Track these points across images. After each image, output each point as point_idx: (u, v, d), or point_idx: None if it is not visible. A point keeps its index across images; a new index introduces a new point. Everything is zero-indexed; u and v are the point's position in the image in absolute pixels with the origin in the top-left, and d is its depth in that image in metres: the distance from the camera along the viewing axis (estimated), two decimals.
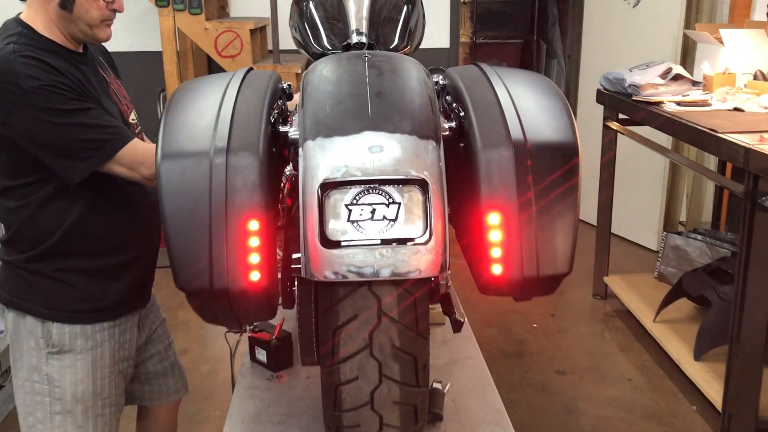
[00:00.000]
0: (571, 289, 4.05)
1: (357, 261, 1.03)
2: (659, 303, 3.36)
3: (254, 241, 1.04)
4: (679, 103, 3.10)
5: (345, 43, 1.89)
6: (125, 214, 1.67)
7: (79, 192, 1.56)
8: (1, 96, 1.44)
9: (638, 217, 4.67)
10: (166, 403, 1.99)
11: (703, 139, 2.70)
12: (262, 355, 1.70)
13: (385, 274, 1.03)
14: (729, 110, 2.99)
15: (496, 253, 1.06)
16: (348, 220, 1.03)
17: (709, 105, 3.06)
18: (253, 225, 1.04)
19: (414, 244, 1.03)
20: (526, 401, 3.00)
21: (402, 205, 1.04)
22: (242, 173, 1.06)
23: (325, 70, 1.20)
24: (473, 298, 3.94)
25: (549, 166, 1.09)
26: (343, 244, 1.03)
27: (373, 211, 1.03)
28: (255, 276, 1.04)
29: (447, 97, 1.41)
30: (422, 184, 1.05)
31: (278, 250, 1.22)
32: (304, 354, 1.31)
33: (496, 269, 1.06)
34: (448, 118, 1.27)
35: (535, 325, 3.67)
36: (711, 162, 4.32)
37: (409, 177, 1.04)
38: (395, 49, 1.97)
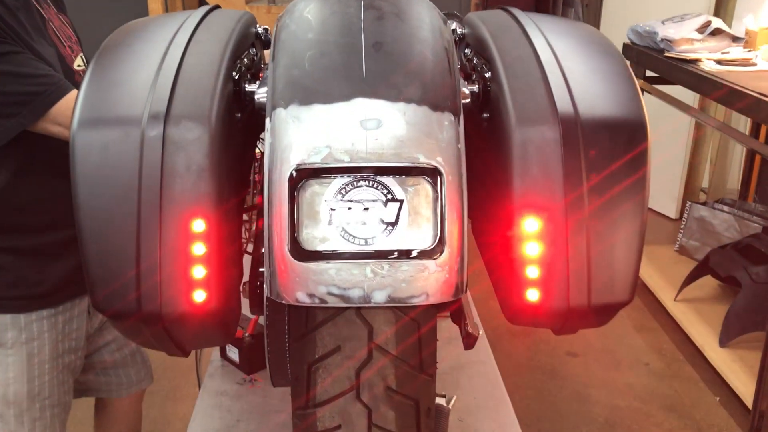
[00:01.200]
0: None
1: (341, 280, 0.74)
2: (681, 279, 3.09)
3: (199, 248, 0.75)
4: (719, 62, 2.77)
5: None
6: (64, 184, 1.37)
7: (5, 156, 1.26)
8: None
9: (658, 182, 4.34)
10: (127, 395, 1.73)
11: (750, 103, 2.38)
12: (234, 353, 1.43)
13: (379, 299, 0.74)
14: None
15: (532, 272, 0.77)
16: (330, 223, 0.74)
17: (754, 65, 2.73)
18: (198, 225, 0.75)
19: (420, 259, 0.74)
20: (534, 386, 2.75)
21: (405, 204, 0.75)
22: (186, 151, 0.76)
23: (306, 11, 0.89)
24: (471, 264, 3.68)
25: (609, 153, 0.79)
26: (322, 255, 0.74)
27: (366, 211, 0.74)
28: (199, 296, 0.75)
29: (466, 50, 1.10)
30: (434, 175, 0.75)
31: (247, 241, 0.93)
32: (275, 373, 1.03)
33: (532, 295, 0.77)
34: (469, 80, 0.97)
35: None
36: (740, 124, 3.99)
37: (416, 164, 0.75)
38: None
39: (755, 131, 3.57)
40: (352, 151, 0.74)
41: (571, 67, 0.86)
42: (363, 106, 0.76)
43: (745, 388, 2.51)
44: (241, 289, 0.89)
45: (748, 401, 2.45)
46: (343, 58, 0.80)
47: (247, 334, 1.43)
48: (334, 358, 0.81)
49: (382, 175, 0.74)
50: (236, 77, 0.89)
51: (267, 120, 0.78)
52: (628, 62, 0.91)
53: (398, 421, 0.83)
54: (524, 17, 1.00)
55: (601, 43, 0.95)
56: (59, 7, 1.48)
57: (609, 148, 0.79)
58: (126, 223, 0.75)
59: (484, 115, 0.92)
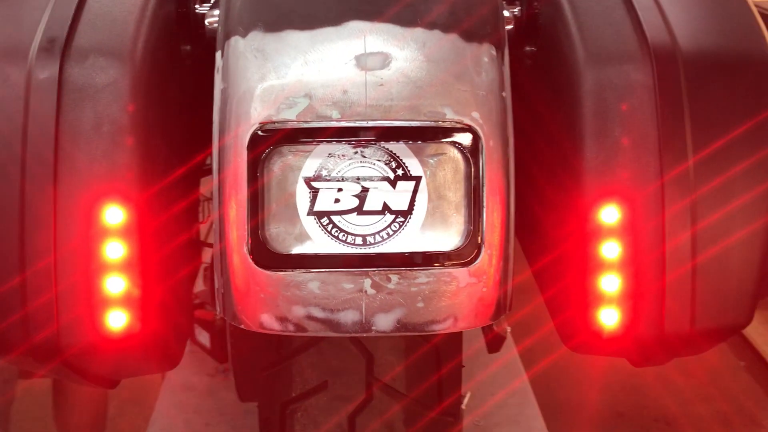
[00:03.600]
0: None
1: (326, 298, 0.49)
2: None
3: (115, 249, 0.50)
4: None
5: None
6: None
7: None
8: None
9: None
10: None
11: None
12: (204, 337, 1.20)
13: (383, 326, 0.50)
14: None
15: (609, 285, 0.52)
16: (311, 212, 0.49)
17: None
18: (113, 215, 0.50)
19: (446, 266, 0.50)
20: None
21: (423, 184, 0.50)
22: (93, 101, 0.51)
23: None
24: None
25: (729, 108, 0.53)
26: (298, 261, 0.49)
27: (364, 194, 0.49)
28: (117, 320, 0.51)
29: None
30: (468, 139, 0.50)
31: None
32: (242, 389, 0.80)
33: (608, 317, 0.53)
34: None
35: None
36: None
37: (441, 123, 0.49)
38: None
39: None
40: (344, 103, 0.49)
41: None
42: (361, 33, 0.50)
43: None
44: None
45: None
46: None
47: (219, 315, 1.19)
48: (318, 398, 0.57)
49: (389, 140, 0.49)
50: None
51: (218, 55, 0.53)
52: None
53: None
54: None
55: None
56: None
57: (728, 100, 0.53)
58: (3, 209, 0.50)
59: (528, 48, 0.65)
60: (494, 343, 0.89)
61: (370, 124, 0.49)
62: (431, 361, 0.58)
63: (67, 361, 0.52)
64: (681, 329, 0.52)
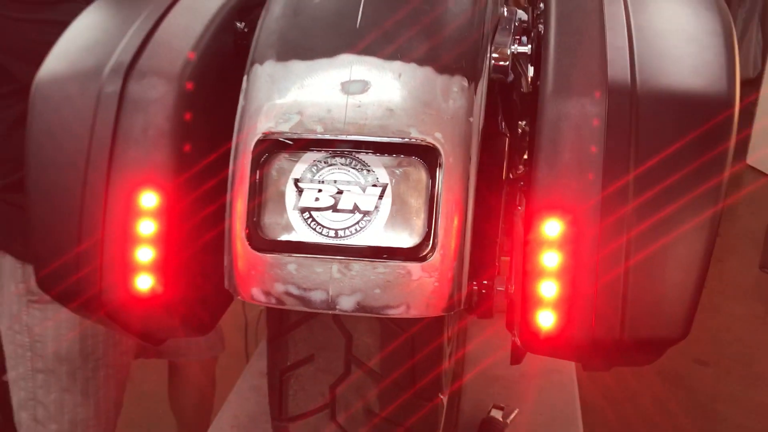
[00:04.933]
0: (731, 256, 3.36)
1: (301, 279, 0.60)
2: None
3: (146, 227, 0.64)
4: None
5: None
6: None
7: (6, 107, 1.22)
8: None
9: None
10: (198, 360, 1.69)
11: None
12: None
13: (345, 305, 0.60)
14: None
15: (548, 290, 0.59)
16: (296, 208, 0.60)
17: None
18: (148, 200, 0.64)
19: (401, 260, 0.59)
20: (651, 392, 2.47)
21: (389, 190, 0.59)
22: (144, 111, 0.65)
23: None
24: None
25: (674, 139, 0.58)
26: (283, 246, 0.60)
27: (339, 195, 0.60)
28: (143, 282, 0.64)
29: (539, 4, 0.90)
30: (429, 156, 0.59)
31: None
32: None
33: (545, 319, 0.59)
34: (524, 41, 0.78)
35: None
36: None
37: (405, 141, 0.59)
38: None
39: None
40: (328, 120, 0.60)
41: (643, 23, 0.66)
42: (348, 65, 0.61)
43: None
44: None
45: None
46: (338, 4, 0.65)
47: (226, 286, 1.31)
48: (306, 368, 0.68)
49: (362, 151, 0.59)
50: (244, 29, 0.76)
51: (244, 78, 0.65)
52: (732, 23, 0.69)
53: None
54: None
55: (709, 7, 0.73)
56: None
57: (674, 132, 0.58)
58: (71, 192, 0.65)
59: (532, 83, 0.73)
60: (516, 355, 0.95)
61: (347, 138, 0.59)
62: (407, 347, 0.66)
63: (108, 314, 0.66)
64: (611, 335, 0.57)
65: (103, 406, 1.43)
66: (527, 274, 0.59)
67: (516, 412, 1.19)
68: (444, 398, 0.99)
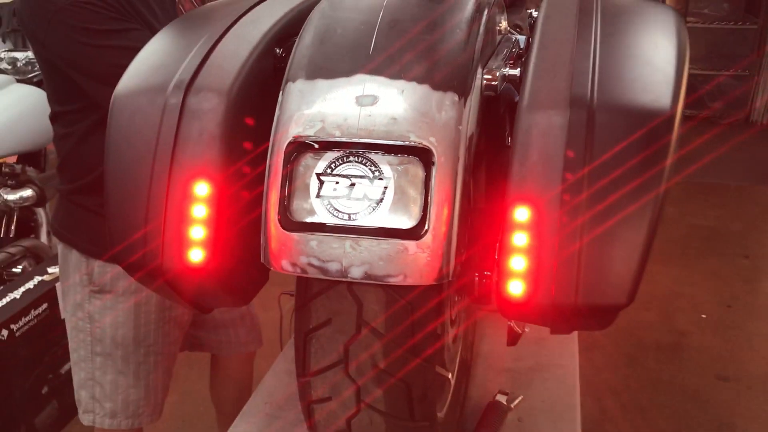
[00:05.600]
0: (761, 274, 3.42)
1: (320, 252, 0.75)
2: None
3: (199, 210, 0.80)
4: None
5: None
6: None
7: (79, 120, 1.40)
8: (39, 13, 1.31)
9: None
10: (236, 354, 1.85)
11: None
12: None
13: (355, 274, 0.75)
14: None
15: (518, 264, 0.73)
16: (317, 196, 0.76)
17: None
18: (201, 189, 0.80)
19: (400, 238, 0.74)
20: (671, 407, 2.55)
21: (392, 183, 0.74)
22: (200, 119, 0.81)
23: None
24: None
25: (623, 145, 0.72)
26: (307, 226, 0.75)
27: (352, 187, 0.75)
28: (196, 255, 0.80)
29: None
30: (424, 155, 0.74)
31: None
32: None
33: (515, 287, 0.73)
34: (517, 65, 0.93)
35: (704, 316, 3.13)
36: None
37: (405, 143, 0.74)
38: None
39: None
40: (344, 126, 0.75)
41: (609, 49, 0.80)
42: (362, 83, 0.76)
43: None
44: None
45: None
46: (356, 35, 0.80)
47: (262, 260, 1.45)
48: (325, 330, 0.83)
49: (371, 151, 0.74)
50: (282, 54, 0.92)
51: (281, 94, 0.81)
52: (687, 50, 0.83)
53: (387, 401, 0.83)
54: None
55: (665, 28, 0.87)
56: None
57: (621, 136, 0.72)
58: (141, 183, 0.81)
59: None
60: (512, 337, 1.09)
61: (359, 140, 0.74)
62: (404, 310, 0.80)
63: (168, 282, 0.82)
64: (568, 301, 0.71)
65: (152, 389, 1.59)
66: (502, 251, 0.73)
67: (520, 398, 1.31)
68: (451, 377, 1.13)
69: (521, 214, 0.72)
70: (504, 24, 1.11)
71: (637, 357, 2.84)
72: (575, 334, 1.55)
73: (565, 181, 0.71)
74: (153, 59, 0.89)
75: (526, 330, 1.09)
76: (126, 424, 1.57)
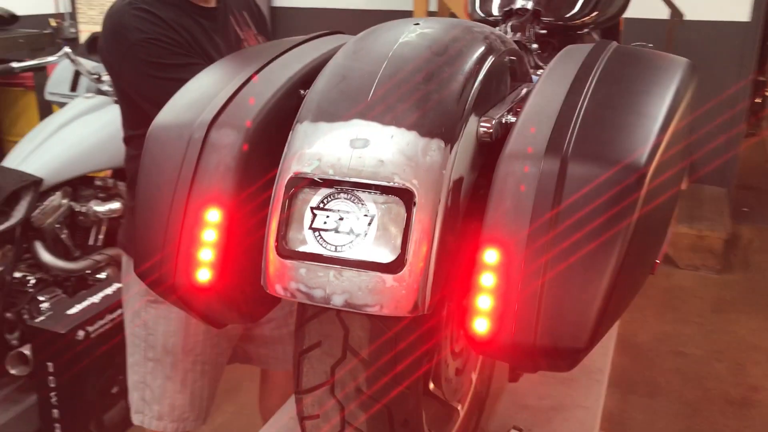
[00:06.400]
0: None
1: (308, 279, 0.82)
2: None
3: (209, 235, 0.89)
4: None
5: (506, 9, 1.62)
6: None
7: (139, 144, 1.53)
8: (115, 48, 1.46)
9: None
10: (283, 370, 1.94)
11: None
12: None
13: (336, 301, 0.81)
14: None
15: (483, 302, 0.78)
16: (310, 227, 0.83)
17: None
18: (212, 215, 0.89)
19: (378, 271, 0.80)
20: None
21: (376, 219, 0.81)
22: (218, 153, 0.90)
23: (357, 40, 0.98)
24: (704, 315, 3.36)
25: (589, 197, 0.76)
26: (298, 255, 0.83)
27: (340, 221, 0.82)
28: (203, 275, 0.89)
29: None
30: (406, 196, 0.80)
31: None
32: None
33: (480, 325, 0.78)
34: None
35: None
36: None
37: (389, 184, 0.80)
38: (571, 19, 1.63)
39: None
40: (337, 166, 0.82)
41: (597, 98, 0.84)
42: (357, 127, 0.83)
43: None
44: None
45: None
46: (358, 83, 0.88)
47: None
48: (315, 351, 0.89)
49: (359, 190, 0.81)
50: (305, 95, 1.01)
51: (290, 132, 0.89)
52: (683, 101, 0.86)
53: (370, 425, 0.89)
54: (610, 50, 0.98)
55: (666, 77, 0.90)
56: (262, 29, 1.75)
57: (591, 192, 0.76)
58: (163, 209, 0.91)
59: None
60: (513, 374, 1.12)
61: (349, 179, 0.81)
62: (388, 339, 0.86)
63: (180, 298, 0.91)
64: (527, 340, 0.75)
65: (197, 396, 1.70)
66: (470, 290, 0.78)
67: None
68: (461, 408, 1.18)
69: (490, 256, 0.77)
70: (527, 69, 1.16)
71: (701, 408, 2.75)
72: (605, 376, 1.56)
73: (531, 226, 0.76)
74: (188, 96, 1.00)
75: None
76: (171, 428, 1.69)
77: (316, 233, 0.82)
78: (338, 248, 0.81)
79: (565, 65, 0.95)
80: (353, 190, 0.82)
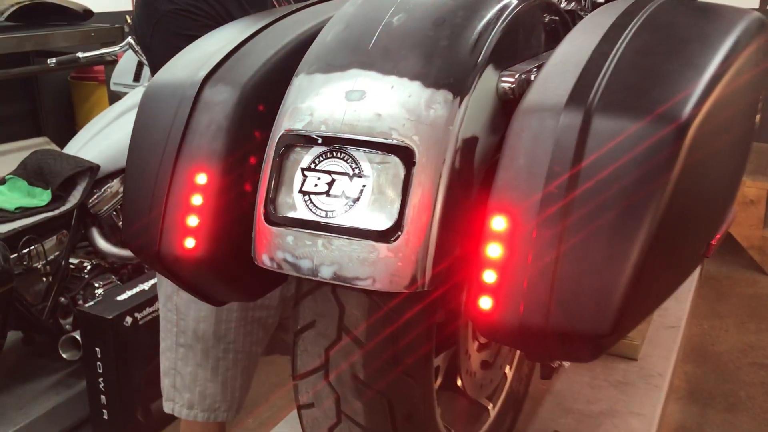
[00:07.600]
0: None
1: (295, 248, 0.73)
2: None
3: (197, 200, 0.81)
4: None
5: None
6: None
7: None
8: (145, 20, 1.42)
9: None
10: None
11: None
12: None
13: (325, 274, 0.72)
14: None
15: (489, 277, 0.66)
16: (300, 191, 0.74)
17: None
18: (200, 179, 0.81)
19: (371, 240, 0.70)
20: None
21: (371, 181, 0.71)
22: (210, 111, 0.82)
23: None
24: (754, 314, 3.09)
25: (616, 154, 0.64)
26: (286, 221, 0.74)
27: (332, 183, 0.72)
28: (189, 243, 0.81)
29: None
30: (405, 155, 0.70)
31: None
32: None
33: (485, 303, 0.66)
34: None
35: None
36: None
37: (386, 141, 0.70)
38: None
39: None
40: (329, 121, 0.73)
41: (631, 55, 0.72)
42: (355, 78, 0.74)
43: None
44: None
45: None
46: (360, 31, 0.78)
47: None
48: (309, 332, 0.80)
49: (353, 147, 0.72)
50: None
51: (288, 88, 0.80)
52: (740, 53, 0.72)
53: (367, 416, 0.79)
54: (665, 1, 0.85)
55: (724, 28, 0.76)
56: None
57: (616, 147, 0.63)
58: (150, 173, 0.83)
59: None
60: (546, 371, 0.99)
61: (342, 135, 0.72)
62: (386, 320, 0.76)
63: (165, 267, 0.83)
64: (537, 323, 0.63)
65: (229, 385, 1.63)
66: (476, 263, 0.67)
67: None
68: (491, 408, 1.06)
69: (498, 223, 0.66)
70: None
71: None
72: (665, 382, 1.40)
73: (545, 190, 0.64)
74: (189, 55, 0.92)
75: (565, 365, 0.99)
76: (202, 417, 1.63)
77: (306, 197, 0.73)
78: (329, 214, 0.72)
79: (605, 13, 0.82)
80: (346, 147, 0.72)
